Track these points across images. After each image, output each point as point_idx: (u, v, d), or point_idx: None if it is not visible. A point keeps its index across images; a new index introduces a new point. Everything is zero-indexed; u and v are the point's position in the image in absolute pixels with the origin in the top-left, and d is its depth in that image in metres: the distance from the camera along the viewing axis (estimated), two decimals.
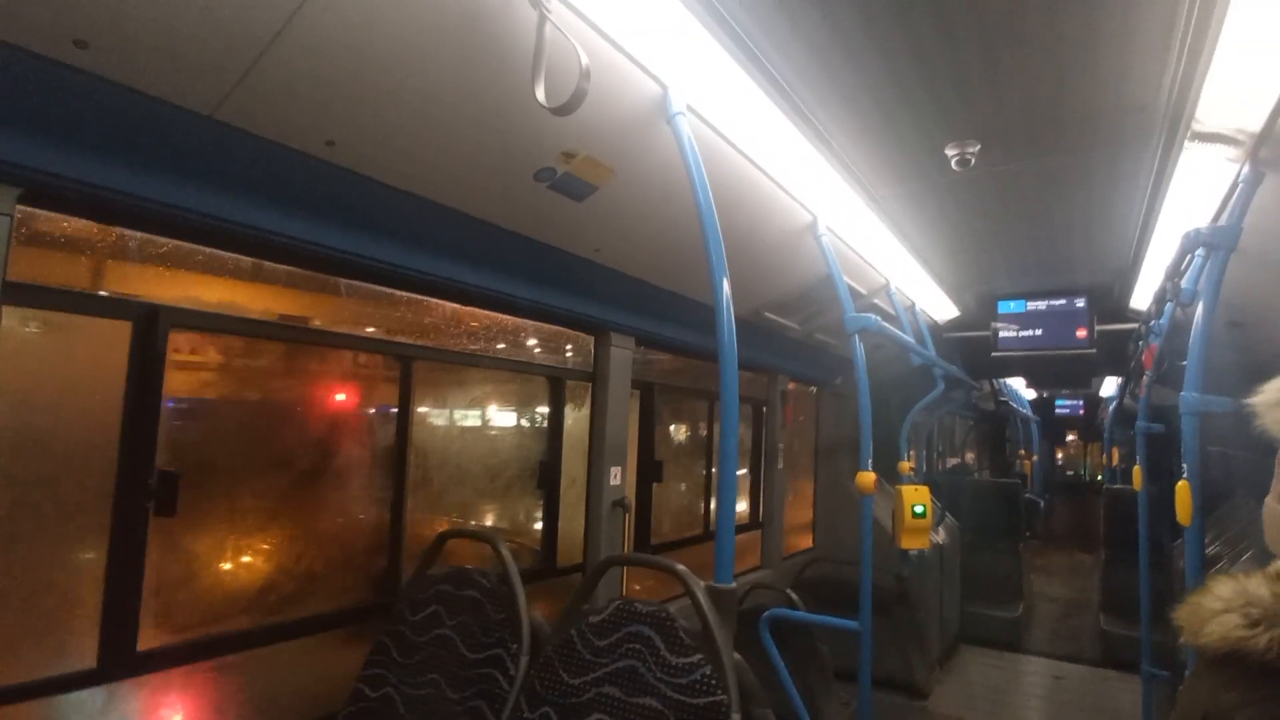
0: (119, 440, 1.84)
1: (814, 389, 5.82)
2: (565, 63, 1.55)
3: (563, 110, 1.52)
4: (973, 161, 2.65)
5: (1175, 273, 2.54)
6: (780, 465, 4.89)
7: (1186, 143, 2.28)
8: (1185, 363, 2.45)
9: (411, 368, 2.58)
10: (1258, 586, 1.36)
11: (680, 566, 1.81)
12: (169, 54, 1.42)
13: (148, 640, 1.88)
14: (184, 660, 1.95)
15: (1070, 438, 14.73)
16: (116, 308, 1.86)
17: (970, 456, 11.56)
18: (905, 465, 4.14)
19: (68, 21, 1.29)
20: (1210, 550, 4.06)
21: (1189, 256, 2.46)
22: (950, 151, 2.62)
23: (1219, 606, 1.38)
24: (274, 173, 1.79)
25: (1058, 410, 13.27)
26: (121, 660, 1.81)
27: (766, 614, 3.14)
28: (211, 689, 2.04)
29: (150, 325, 1.87)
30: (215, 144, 1.65)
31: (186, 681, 1.98)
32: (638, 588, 3.95)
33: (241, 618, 2.15)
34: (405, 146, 1.86)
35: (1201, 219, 2.68)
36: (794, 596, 3.49)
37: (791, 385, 5.28)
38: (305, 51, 1.49)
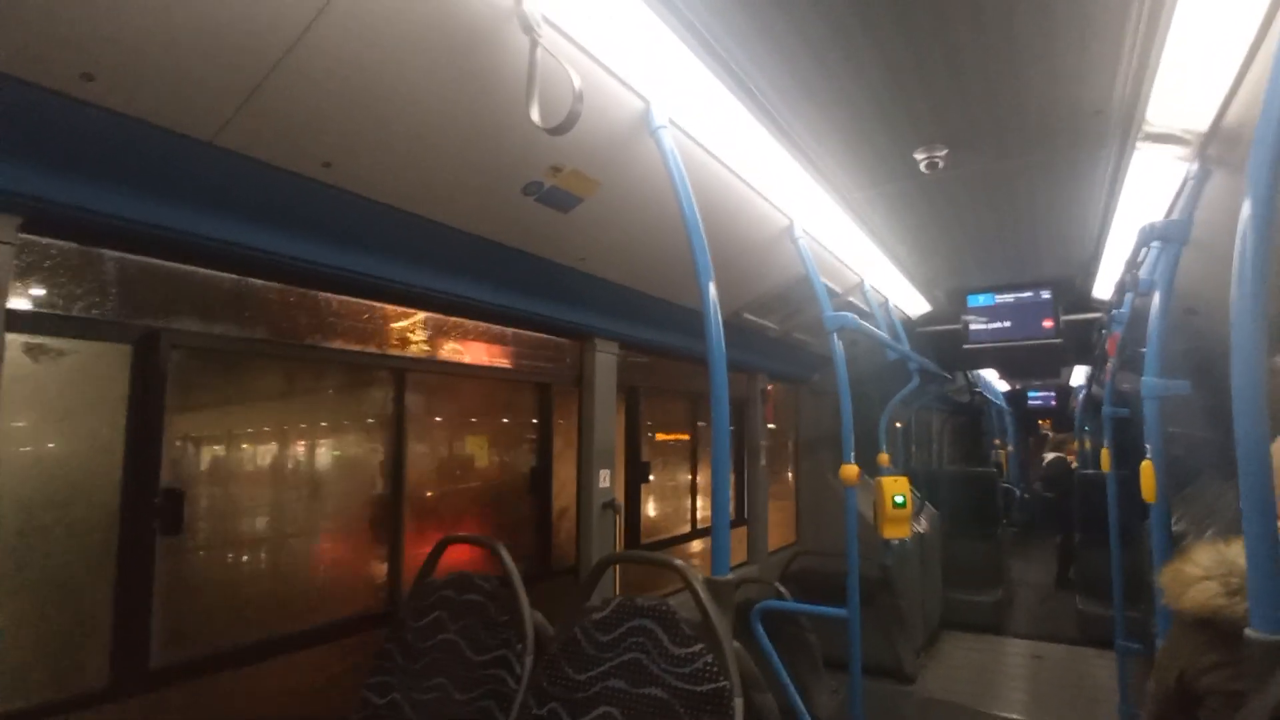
0: (122, 460, 1.87)
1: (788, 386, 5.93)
2: (556, 84, 1.63)
3: (557, 130, 1.59)
4: (941, 164, 2.77)
5: (1134, 264, 2.68)
6: (763, 462, 4.99)
7: (1139, 143, 2.42)
8: (1145, 349, 2.59)
9: (405, 379, 2.63)
10: (1238, 555, 1.46)
11: (678, 561, 1.88)
12: (172, 84, 1.46)
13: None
14: (196, 675, 1.99)
15: (1044, 429, 15.01)
16: (116, 331, 1.89)
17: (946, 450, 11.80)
18: (884, 457, 4.26)
19: (77, 55, 1.34)
20: (1177, 528, 4.23)
21: (1145, 249, 2.60)
22: (919, 155, 2.73)
23: (1199, 573, 1.48)
24: (272, 195, 1.84)
25: (1030, 402, 13.55)
26: (134, 678, 1.84)
27: (758, 606, 3.23)
28: None
29: (151, 347, 1.90)
30: (215, 169, 1.69)
31: None
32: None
33: None
34: (399, 166, 1.92)
35: (1156, 213, 2.83)
36: (782, 589, 3.58)
37: (770, 386, 5.38)
38: (303, 79, 1.54)
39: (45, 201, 1.52)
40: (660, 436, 4.53)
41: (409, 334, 2.76)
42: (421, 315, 2.77)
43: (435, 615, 2.24)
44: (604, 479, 3.33)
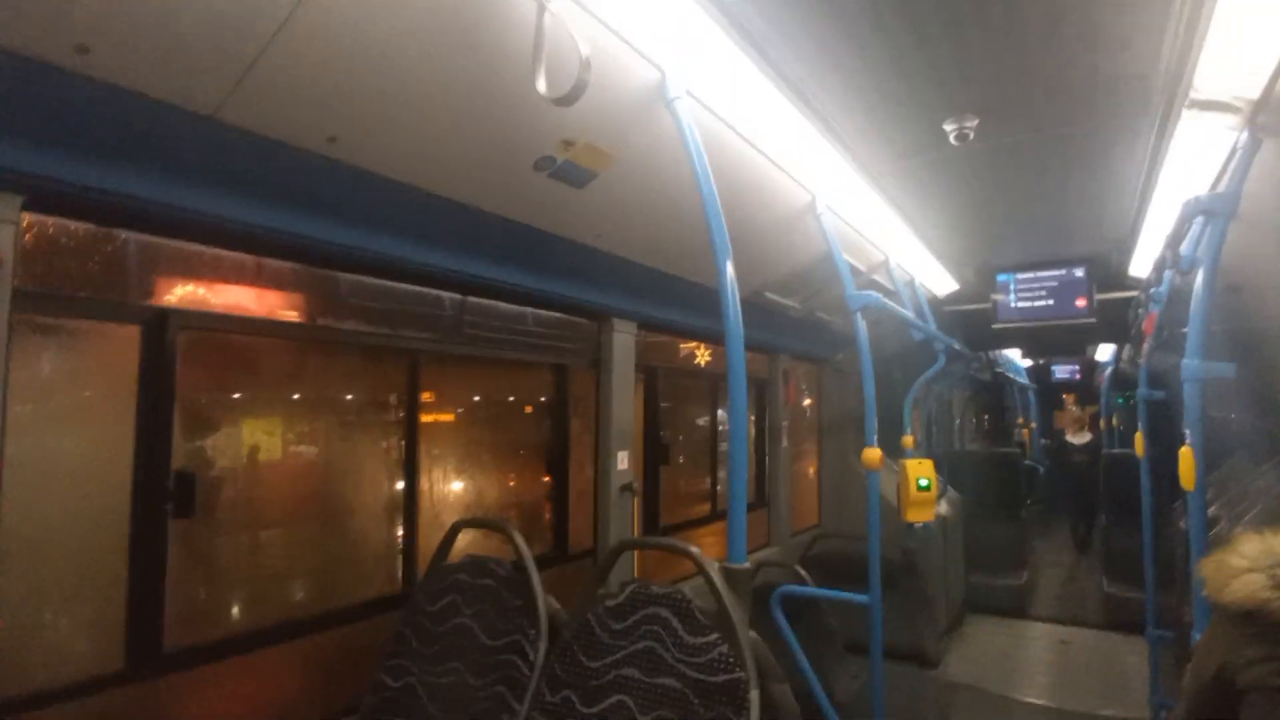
0: (133, 444, 1.85)
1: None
2: (565, 52, 1.55)
3: (564, 101, 1.52)
4: (971, 136, 2.64)
5: (1175, 240, 2.55)
6: (785, 443, 4.92)
7: (1184, 111, 2.28)
8: (1185, 330, 2.47)
9: (419, 363, 2.60)
10: None
11: (693, 548, 1.83)
12: (169, 56, 1.41)
13: None
14: (210, 659, 1.99)
15: (1069, 404, 14.68)
16: (124, 312, 1.87)
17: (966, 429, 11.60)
18: (909, 439, 4.16)
19: (70, 27, 1.29)
20: (1210, 512, 4.09)
21: (1188, 224, 2.47)
22: (949, 126, 2.61)
23: (1244, 565, 1.40)
24: (276, 171, 1.79)
25: (1054, 376, 13.25)
26: (148, 661, 1.84)
27: (778, 590, 3.18)
28: None
29: (159, 328, 1.88)
30: (217, 144, 1.65)
31: None
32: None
33: None
34: (406, 140, 1.86)
35: (1199, 187, 2.69)
36: (803, 573, 3.52)
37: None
38: (305, 49, 1.48)
39: (47, 179, 1.49)
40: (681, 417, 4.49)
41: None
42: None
43: (450, 599, 2.22)
44: (622, 461, 3.29)
